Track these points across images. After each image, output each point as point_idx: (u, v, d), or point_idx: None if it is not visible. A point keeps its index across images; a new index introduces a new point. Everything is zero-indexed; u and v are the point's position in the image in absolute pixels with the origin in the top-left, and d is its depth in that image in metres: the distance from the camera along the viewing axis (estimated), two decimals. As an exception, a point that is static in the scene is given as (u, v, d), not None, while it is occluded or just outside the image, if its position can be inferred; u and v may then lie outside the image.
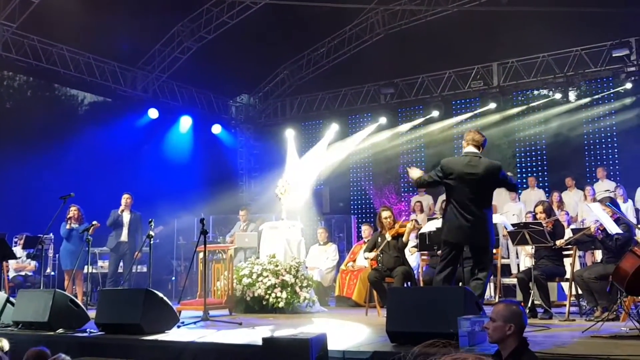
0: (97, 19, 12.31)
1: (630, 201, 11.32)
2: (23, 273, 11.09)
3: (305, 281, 9.04)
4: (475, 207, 5.97)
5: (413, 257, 9.58)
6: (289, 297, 8.77)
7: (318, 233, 11.74)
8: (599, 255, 8.50)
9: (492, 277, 8.43)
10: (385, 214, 8.38)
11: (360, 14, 15.51)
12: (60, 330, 6.50)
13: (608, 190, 11.21)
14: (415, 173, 6.48)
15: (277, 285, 8.81)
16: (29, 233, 10.72)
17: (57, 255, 11.11)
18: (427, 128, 15.53)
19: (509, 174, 6.41)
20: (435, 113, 15.12)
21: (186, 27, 14.41)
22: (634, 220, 10.53)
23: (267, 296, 8.78)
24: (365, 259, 8.64)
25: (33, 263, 11.12)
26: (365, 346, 5.28)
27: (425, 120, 15.51)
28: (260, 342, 4.83)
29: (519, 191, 13.52)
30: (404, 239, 8.09)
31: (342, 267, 10.79)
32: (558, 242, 7.45)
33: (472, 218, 5.95)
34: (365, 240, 10.63)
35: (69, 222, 10.34)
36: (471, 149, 6.21)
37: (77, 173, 12.41)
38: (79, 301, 7.46)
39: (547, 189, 13.13)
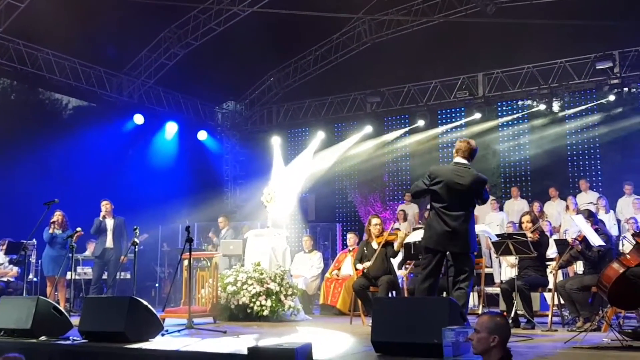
0: (84, 23, 12.23)
1: (611, 212, 11.44)
2: (5, 279, 10.95)
3: (290, 289, 9.02)
4: (458, 215, 6.06)
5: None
6: (274, 305, 8.75)
7: (303, 241, 11.78)
8: (580, 265, 8.59)
9: (475, 287, 8.51)
10: (375, 220, 8.43)
11: (347, 23, 15.59)
12: (43, 338, 6.42)
13: (591, 203, 11.32)
14: None
15: (261, 294, 8.79)
16: (11, 239, 10.63)
17: (39, 262, 11.01)
18: (413, 137, 15.63)
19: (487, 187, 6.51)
20: (420, 122, 15.21)
21: (173, 33, 14.39)
22: (615, 231, 10.66)
23: (251, 304, 8.75)
24: (356, 270, 8.57)
25: (15, 269, 11.01)
26: (350, 356, 5.30)
27: (410, 129, 15.61)
28: (245, 352, 4.84)
29: (503, 201, 13.64)
30: (396, 248, 8.09)
31: (327, 275, 10.82)
32: (552, 266, 7.66)
33: (454, 224, 6.03)
34: (351, 248, 10.67)
35: (52, 226, 10.24)
36: (459, 159, 6.29)
37: (61, 178, 12.33)
38: (61, 308, 7.39)
39: (530, 199, 13.22)
